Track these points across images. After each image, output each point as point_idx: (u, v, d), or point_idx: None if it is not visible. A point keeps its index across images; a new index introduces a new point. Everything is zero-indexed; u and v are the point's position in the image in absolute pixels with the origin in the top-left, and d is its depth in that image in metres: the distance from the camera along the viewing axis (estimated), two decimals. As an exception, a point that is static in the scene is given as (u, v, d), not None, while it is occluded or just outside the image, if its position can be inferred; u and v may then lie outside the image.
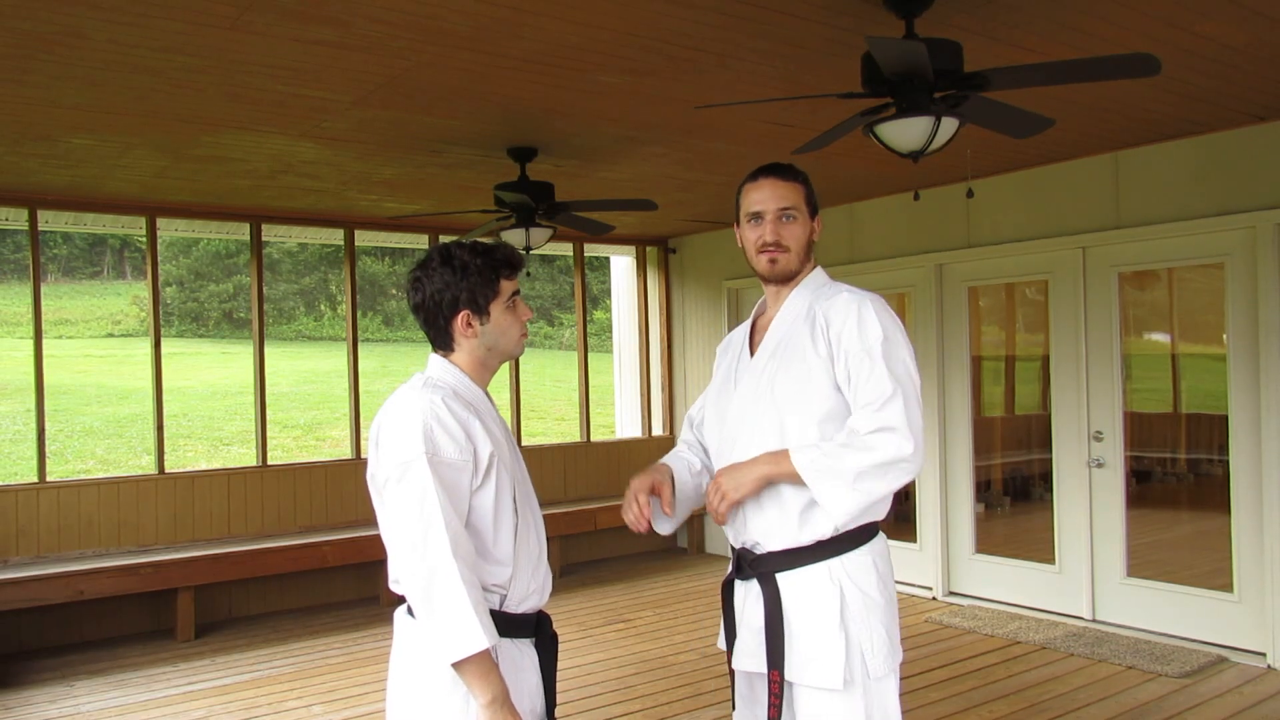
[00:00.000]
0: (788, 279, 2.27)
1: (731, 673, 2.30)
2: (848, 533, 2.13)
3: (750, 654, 2.19)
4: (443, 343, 2.11)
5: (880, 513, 2.19)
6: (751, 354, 2.31)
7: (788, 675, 2.11)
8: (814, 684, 2.07)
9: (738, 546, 2.25)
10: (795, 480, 2.08)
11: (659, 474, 2.31)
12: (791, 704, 2.13)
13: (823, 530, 2.12)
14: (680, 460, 2.42)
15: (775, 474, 2.09)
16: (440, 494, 1.88)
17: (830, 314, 2.16)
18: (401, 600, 2.03)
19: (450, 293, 2.05)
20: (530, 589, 2.07)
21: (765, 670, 2.14)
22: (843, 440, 2.05)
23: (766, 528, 2.17)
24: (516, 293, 2.13)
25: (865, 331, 2.11)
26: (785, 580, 2.14)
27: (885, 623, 2.13)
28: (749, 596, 2.21)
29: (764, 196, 2.25)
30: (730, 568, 2.32)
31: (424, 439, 1.92)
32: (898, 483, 2.05)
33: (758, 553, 2.19)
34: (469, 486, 1.96)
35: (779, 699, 2.10)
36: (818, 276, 2.30)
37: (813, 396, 2.14)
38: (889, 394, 2.05)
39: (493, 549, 2.00)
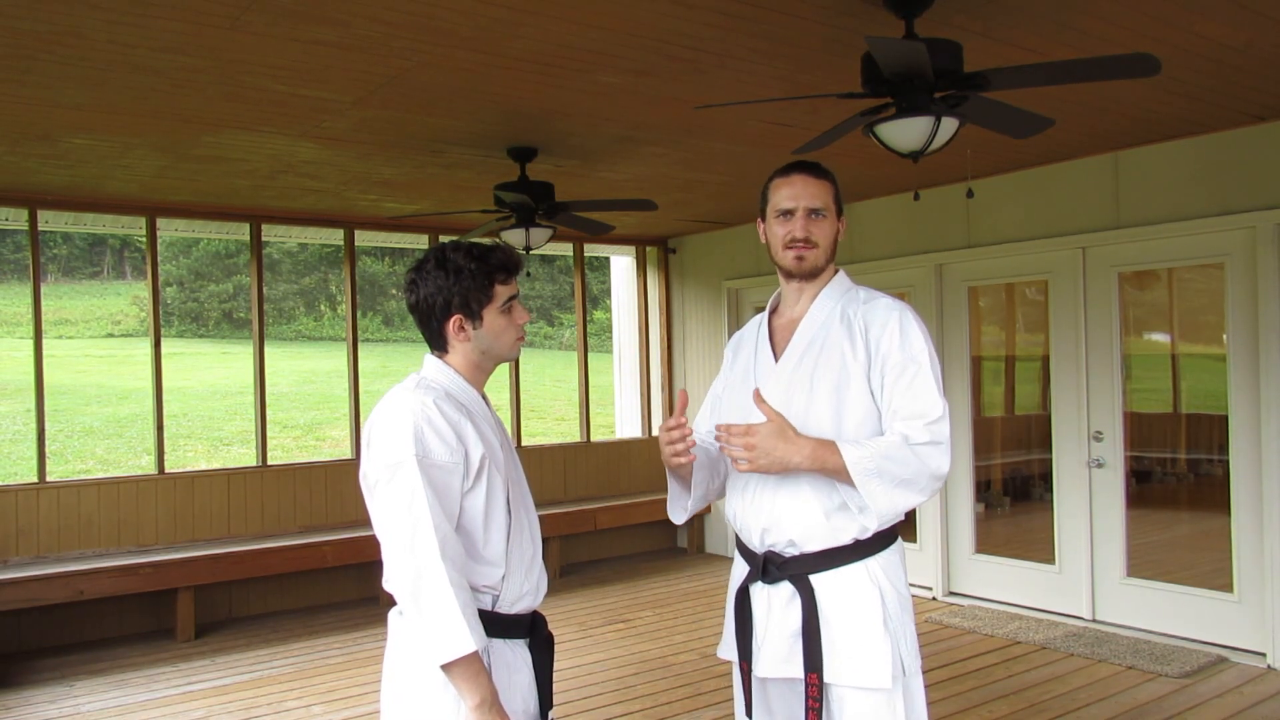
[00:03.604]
0: (812, 276, 2.26)
1: (746, 682, 2.23)
2: (881, 533, 2.13)
3: (782, 659, 2.13)
4: (437, 344, 2.12)
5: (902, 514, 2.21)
6: (774, 353, 2.27)
7: (829, 677, 2.07)
8: (862, 684, 2.05)
9: (762, 550, 2.18)
10: (838, 475, 2.04)
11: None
12: (829, 705, 2.09)
13: (859, 530, 2.10)
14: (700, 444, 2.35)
15: (820, 464, 2.04)
16: (429, 496, 1.88)
17: (870, 319, 2.17)
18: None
19: (443, 296, 2.05)
20: (524, 590, 2.07)
21: (798, 674, 2.10)
22: (894, 444, 2.04)
23: (806, 529, 2.11)
24: (514, 297, 2.11)
25: (909, 341, 2.13)
26: (821, 581, 2.11)
27: (912, 619, 2.16)
28: (775, 601, 2.15)
29: (795, 192, 2.22)
30: (743, 573, 2.25)
31: (414, 440, 1.92)
32: (927, 496, 2.07)
33: (789, 555, 2.14)
34: (460, 488, 1.96)
35: (819, 702, 2.07)
36: (843, 279, 2.29)
37: (850, 399, 2.13)
38: (941, 412, 2.07)
39: (483, 550, 1.99)
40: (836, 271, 2.30)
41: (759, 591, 2.19)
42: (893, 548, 2.18)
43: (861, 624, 2.07)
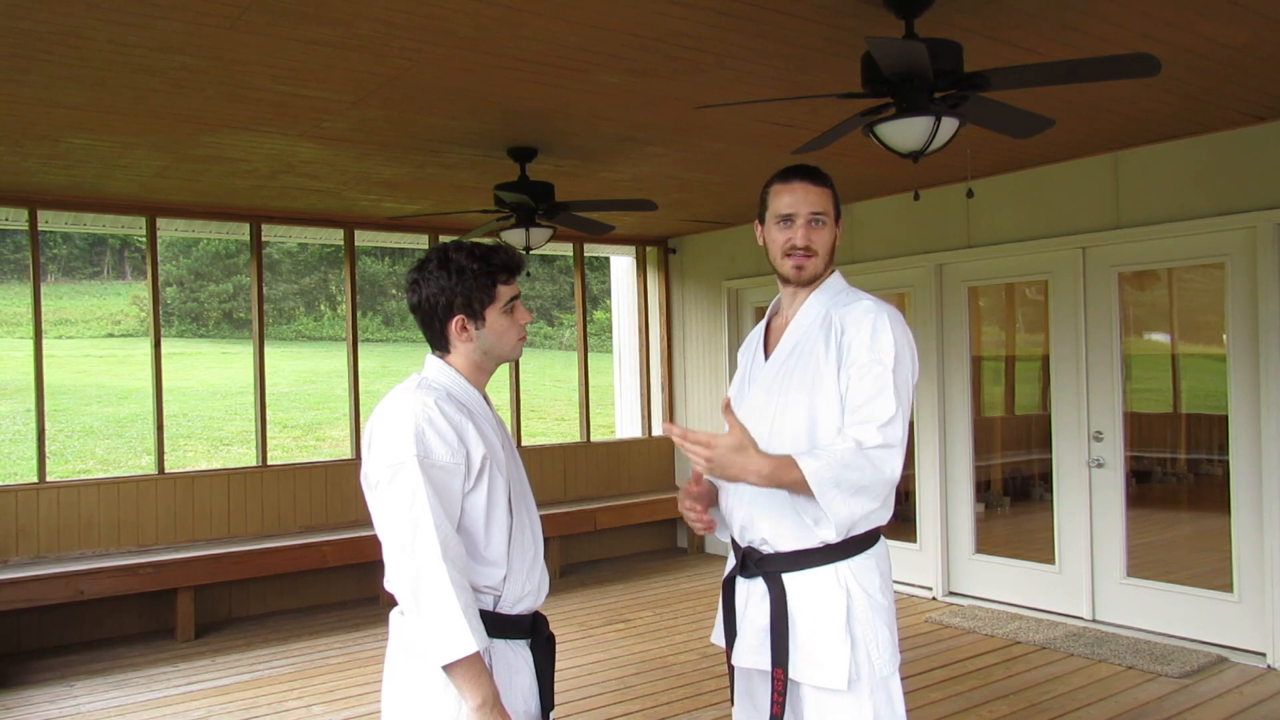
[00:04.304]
0: (809, 282, 2.26)
1: (731, 669, 2.31)
2: (855, 537, 2.14)
3: (752, 651, 2.19)
4: (439, 344, 2.11)
5: (884, 519, 2.20)
6: (766, 356, 2.31)
7: (792, 674, 2.11)
8: (819, 684, 2.09)
9: (743, 545, 2.24)
10: (797, 488, 2.03)
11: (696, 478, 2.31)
12: (797, 702, 2.14)
13: (830, 535, 2.11)
14: None
15: (776, 481, 2.03)
16: (431, 496, 1.88)
17: (846, 321, 2.16)
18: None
19: (445, 297, 2.05)
20: (525, 590, 2.07)
21: (767, 668, 2.14)
22: (849, 450, 2.02)
23: (775, 530, 2.16)
24: (516, 297, 2.11)
25: (878, 343, 2.10)
26: (792, 580, 2.14)
27: (888, 623, 2.16)
28: (752, 594, 2.21)
29: (796, 200, 2.21)
30: (731, 564, 2.32)
31: (415, 441, 1.92)
32: (879, 503, 2.07)
33: (764, 552, 2.19)
34: (461, 489, 1.96)
35: (783, 696, 2.11)
36: (835, 281, 2.28)
37: (822, 402, 2.14)
38: (894, 413, 2.05)
39: (484, 551, 2.00)
40: (831, 273, 2.29)
41: (741, 584, 2.26)
42: (869, 552, 2.17)
43: (823, 625, 2.10)
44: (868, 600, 2.13)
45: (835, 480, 1.99)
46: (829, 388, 2.14)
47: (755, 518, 2.19)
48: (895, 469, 2.04)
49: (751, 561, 2.20)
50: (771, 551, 2.17)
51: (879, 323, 2.12)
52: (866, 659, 2.09)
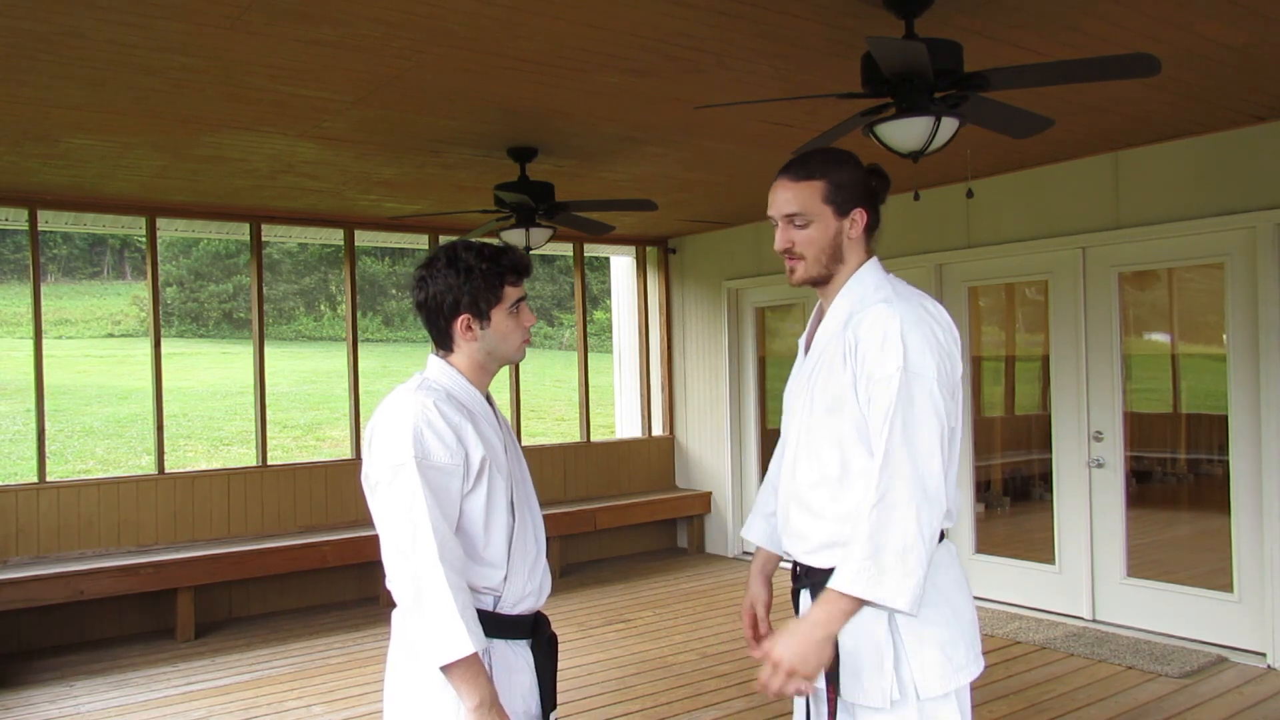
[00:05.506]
0: (814, 284, 2.11)
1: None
2: None
3: None
4: (443, 343, 2.11)
5: (946, 524, 2.05)
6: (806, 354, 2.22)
7: (842, 692, 2.01)
8: (862, 702, 1.98)
9: (791, 559, 2.18)
10: (855, 607, 1.85)
11: (754, 595, 2.35)
12: (844, 717, 2.04)
13: (908, 609, 1.95)
14: (765, 524, 2.41)
15: (837, 618, 1.85)
16: (429, 498, 1.88)
17: (860, 333, 1.99)
18: None
19: (452, 295, 2.04)
20: (526, 590, 2.07)
21: (822, 685, 2.03)
22: (868, 528, 1.85)
23: (809, 550, 2.08)
24: (522, 299, 2.11)
25: (886, 358, 1.92)
26: None
27: (939, 642, 1.97)
28: (804, 606, 2.12)
29: (773, 199, 2.09)
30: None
31: (414, 442, 1.92)
32: (935, 526, 1.87)
33: (809, 565, 2.11)
34: (460, 490, 1.96)
35: (834, 715, 2.01)
36: (866, 275, 2.07)
37: (849, 433, 2.01)
38: (897, 451, 1.88)
39: (483, 552, 2.00)
40: (860, 266, 2.09)
41: (802, 596, 2.16)
42: None
43: (863, 640, 1.99)
44: (909, 617, 1.94)
45: (879, 567, 1.82)
46: (850, 409, 2.00)
47: (796, 533, 2.12)
48: (909, 502, 1.85)
49: (801, 573, 2.13)
50: (815, 565, 2.08)
51: (888, 333, 1.93)
52: (910, 678, 1.95)
